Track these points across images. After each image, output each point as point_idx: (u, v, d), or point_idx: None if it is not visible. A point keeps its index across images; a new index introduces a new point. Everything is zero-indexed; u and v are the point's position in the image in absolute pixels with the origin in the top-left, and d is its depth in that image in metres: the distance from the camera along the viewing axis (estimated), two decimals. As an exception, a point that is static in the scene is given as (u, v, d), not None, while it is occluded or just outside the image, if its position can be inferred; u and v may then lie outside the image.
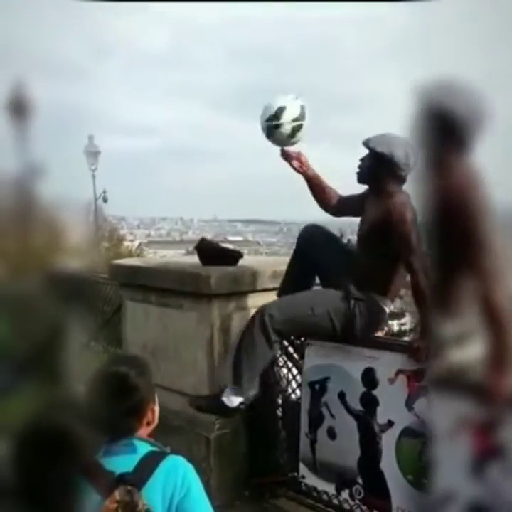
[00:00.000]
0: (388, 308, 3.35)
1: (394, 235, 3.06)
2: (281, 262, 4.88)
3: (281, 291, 3.74)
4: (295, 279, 3.70)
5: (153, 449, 1.82)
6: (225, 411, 3.40)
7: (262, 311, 3.40)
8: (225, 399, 3.35)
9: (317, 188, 3.58)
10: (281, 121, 3.32)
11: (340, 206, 3.57)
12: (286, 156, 3.52)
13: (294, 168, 3.53)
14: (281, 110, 3.32)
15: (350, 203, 3.52)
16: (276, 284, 4.06)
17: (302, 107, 3.36)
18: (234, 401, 3.35)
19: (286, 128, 3.33)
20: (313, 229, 3.70)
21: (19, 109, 1.26)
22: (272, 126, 3.35)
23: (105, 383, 1.80)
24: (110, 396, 1.78)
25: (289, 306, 3.44)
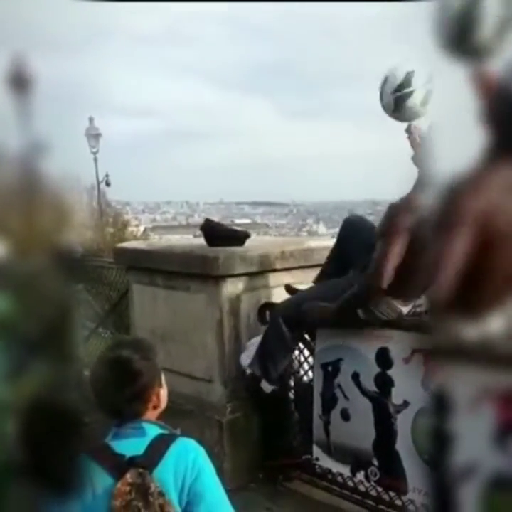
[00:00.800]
0: (398, 307, 3.13)
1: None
2: (290, 242, 4.83)
3: (318, 278, 3.72)
4: (332, 267, 3.65)
5: (163, 431, 1.81)
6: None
7: (275, 312, 3.65)
8: (262, 386, 3.65)
9: None
10: (412, 87, 2.94)
11: None
12: (413, 135, 3.06)
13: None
14: (410, 75, 2.95)
15: None
16: (285, 265, 4.01)
17: (408, 73, 2.98)
18: (268, 388, 3.65)
19: (420, 93, 2.95)
20: (354, 220, 3.63)
21: (20, 83, 1.21)
22: (402, 96, 2.98)
23: (108, 368, 1.79)
24: (113, 381, 1.76)
25: (296, 303, 3.54)
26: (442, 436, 2.61)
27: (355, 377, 3.26)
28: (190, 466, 1.72)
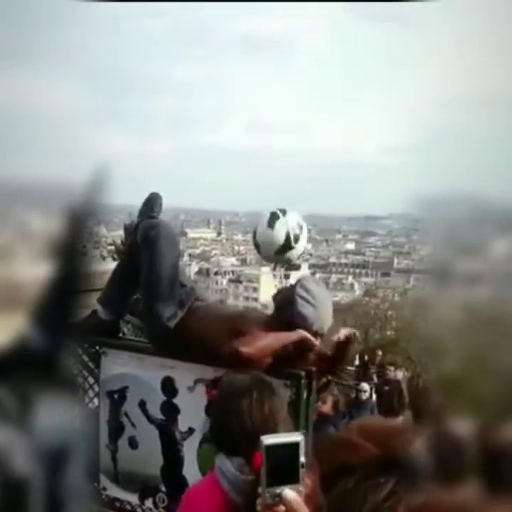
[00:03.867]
0: None
1: None
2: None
3: (104, 294, 3.47)
4: (119, 283, 3.42)
5: None
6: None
7: None
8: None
9: None
10: (293, 244, 3.19)
11: None
12: None
13: None
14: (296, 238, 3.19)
15: None
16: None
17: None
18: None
19: (299, 250, 3.23)
20: (153, 226, 3.23)
21: None
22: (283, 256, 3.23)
23: None
24: None
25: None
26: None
27: (142, 405, 3.27)
28: None
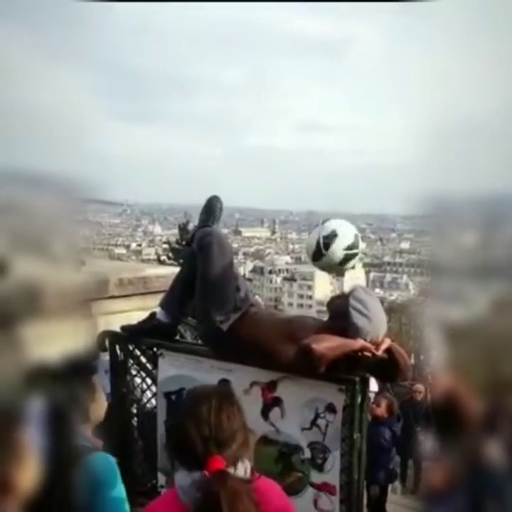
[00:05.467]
0: None
1: None
2: (127, 268, 4.81)
3: (165, 298, 3.60)
4: (179, 288, 3.54)
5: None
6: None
7: None
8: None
9: None
10: (331, 248, 3.17)
11: None
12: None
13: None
14: (333, 235, 3.17)
15: None
16: (124, 292, 4.00)
17: (356, 235, 3.22)
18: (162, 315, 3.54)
19: (338, 255, 3.18)
20: (206, 235, 3.38)
21: None
22: (320, 252, 3.20)
23: None
24: None
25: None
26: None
27: (198, 406, 3.33)
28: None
